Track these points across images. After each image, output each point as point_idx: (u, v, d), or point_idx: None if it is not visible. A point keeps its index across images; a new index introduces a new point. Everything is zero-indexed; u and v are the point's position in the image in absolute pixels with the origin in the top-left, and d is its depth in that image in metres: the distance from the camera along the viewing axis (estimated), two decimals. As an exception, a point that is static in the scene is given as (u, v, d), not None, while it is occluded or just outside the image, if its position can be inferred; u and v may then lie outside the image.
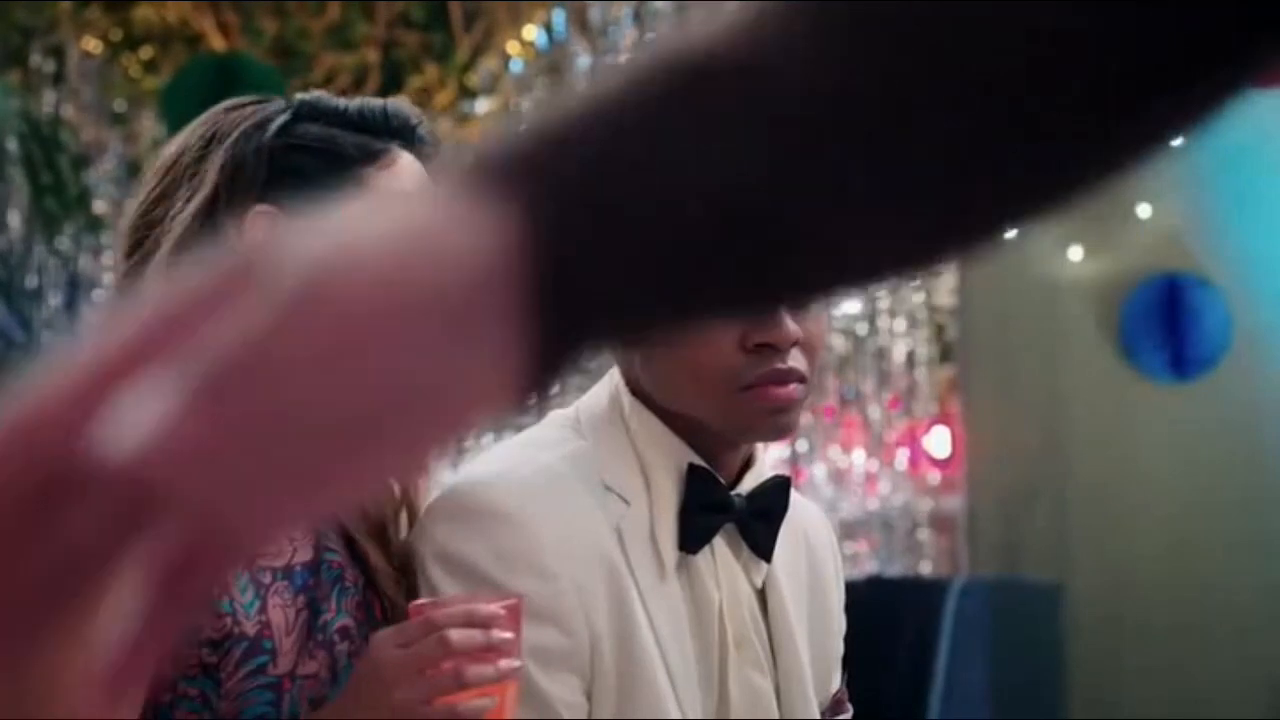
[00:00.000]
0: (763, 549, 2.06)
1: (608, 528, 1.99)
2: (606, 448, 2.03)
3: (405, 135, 1.95)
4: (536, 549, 1.93)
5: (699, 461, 2.02)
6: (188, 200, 1.88)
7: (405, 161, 1.94)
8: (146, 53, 7.54)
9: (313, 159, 1.89)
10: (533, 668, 1.90)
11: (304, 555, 1.89)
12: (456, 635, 1.73)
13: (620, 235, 0.70)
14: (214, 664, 1.78)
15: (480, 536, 1.94)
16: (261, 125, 1.91)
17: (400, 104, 1.99)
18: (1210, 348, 6.50)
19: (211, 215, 1.87)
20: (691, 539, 2.01)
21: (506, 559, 1.93)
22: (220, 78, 6.40)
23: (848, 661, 2.23)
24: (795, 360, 1.98)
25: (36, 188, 6.27)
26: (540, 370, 0.69)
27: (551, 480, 1.99)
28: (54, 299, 7.39)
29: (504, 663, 1.74)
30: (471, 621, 1.74)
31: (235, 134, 1.90)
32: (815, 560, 2.19)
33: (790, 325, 1.97)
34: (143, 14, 7.54)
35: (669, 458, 2.03)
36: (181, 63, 7.29)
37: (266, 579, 1.84)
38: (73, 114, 7.61)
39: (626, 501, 2.00)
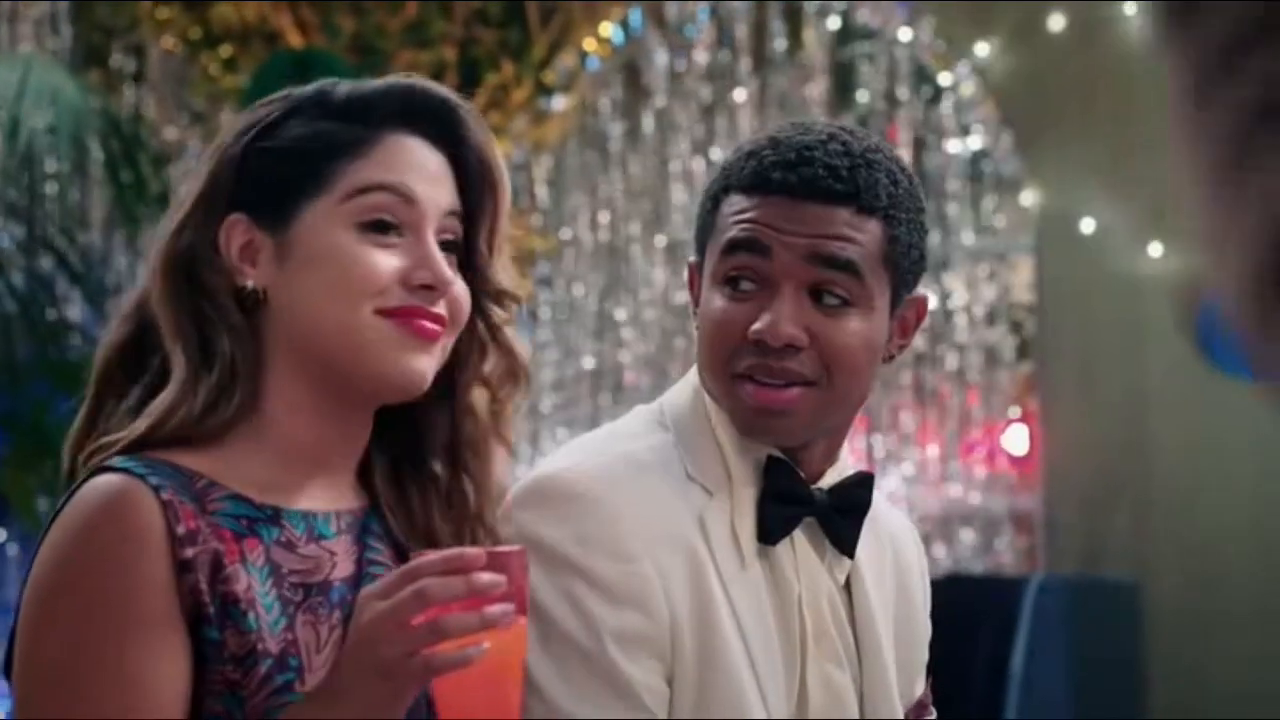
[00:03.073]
0: (845, 544, 2.06)
1: (690, 516, 1.99)
2: (690, 439, 2.04)
3: (403, 117, 1.89)
4: (618, 533, 1.94)
5: (779, 454, 2.02)
6: (176, 209, 1.90)
7: (390, 147, 1.88)
8: (225, 51, 7.58)
9: (278, 162, 1.86)
10: (615, 652, 1.91)
11: (344, 570, 1.87)
12: (434, 584, 1.66)
13: None
14: (238, 680, 1.75)
15: (562, 520, 1.95)
16: (246, 129, 1.89)
17: (405, 82, 1.93)
18: (1292, 344, 6.44)
19: (192, 224, 1.87)
20: (771, 530, 2.02)
21: (588, 542, 1.93)
22: (301, 75, 6.41)
23: (929, 656, 2.23)
24: (803, 365, 1.97)
25: (117, 186, 6.31)
26: None
27: (634, 468, 2.00)
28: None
29: (491, 609, 1.66)
30: (450, 568, 1.67)
31: (226, 139, 1.90)
32: (902, 566, 2.19)
33: (786, 327, 1.96)
34: (221, 12, 7.58)
35: (749, 449, 2.03)
36: (260, 61, 7.33)
37: (297, 596, 1.81)
38: (153, 112, 7.67)
39: (709, 492, 2.01)
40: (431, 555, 1.70)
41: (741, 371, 1.99)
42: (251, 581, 1.77)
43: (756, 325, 1.97)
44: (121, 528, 1.73)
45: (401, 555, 1.90)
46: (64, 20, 7.40)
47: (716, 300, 2.01)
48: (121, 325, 1.92)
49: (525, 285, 7.09)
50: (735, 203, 2.01)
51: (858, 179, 1.98)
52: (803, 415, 1.99)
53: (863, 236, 1.98)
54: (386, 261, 1.84)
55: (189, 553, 1.74)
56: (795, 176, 1.98)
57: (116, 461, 1.78)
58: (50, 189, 6.38)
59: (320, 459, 1.88)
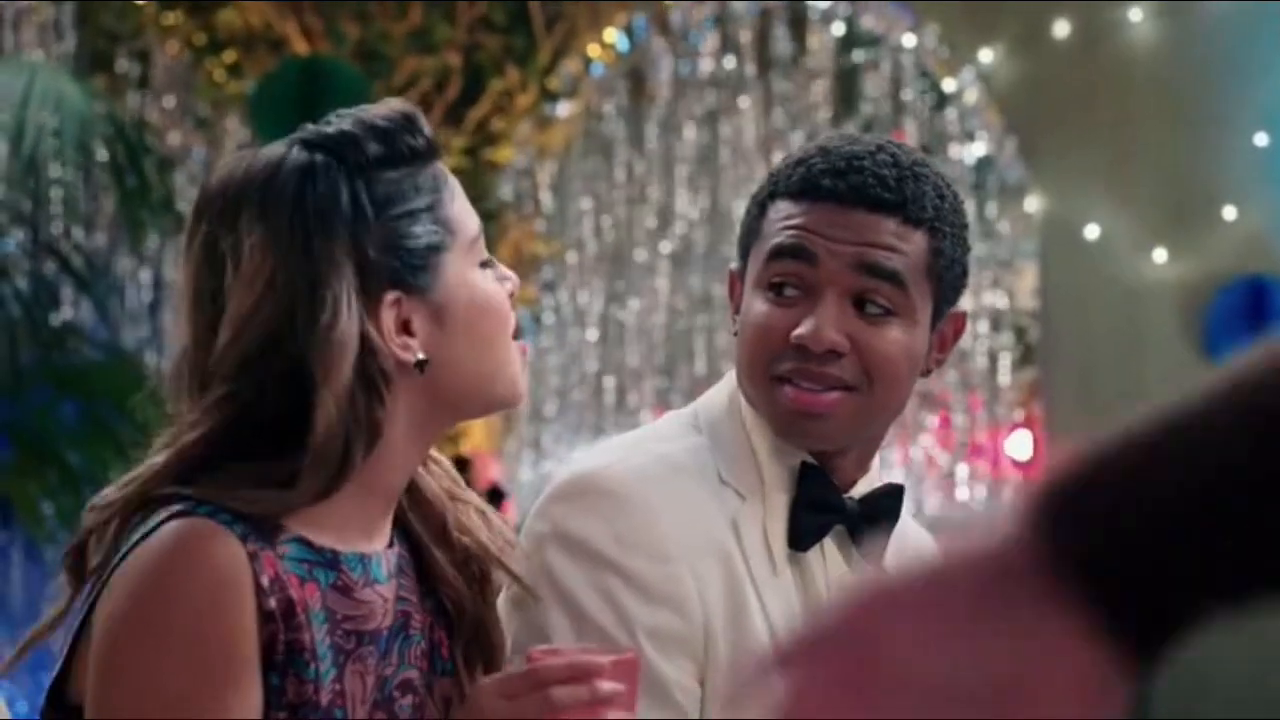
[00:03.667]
0: (871, 554, 2.07)
1: (724, 520, 2.00)
2: (724, 443, 2.05)
3: (430, 146, 1.90)
4: (655, 533, 1.95)
5: (812, 461, 2.04)
6: (319, 306, 1.84)
7: (446, 179, 1.90)
8: (230, 57, 7.59)
9: (413, 224, 1.85)
10: (649, 649, 1.91)
11: (392, 616, 1.86)
12: (560, 692, 1.72)
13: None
14: None
15: (600, 518, 1.95)
16: (350, 206, 1.85)
17: (408, 108, 1.90)
18: (1295, 351, 6.44)
19: (352, 315, 1.81)
20: (802, 537, 2.03)
21: (625, 541, 1.94)
22: (307, 81, 6.43)
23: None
24: (844, 370, 1.98)
25: (122, 191, 6.32)
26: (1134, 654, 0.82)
27: (670, 469, 2.01)
28: (139, 301, 7.45)
29: (609, 715, 1.73)
30: (576, 674, 1.72)
31: (334, 221, 1.85)
32: None
33: (828, 333, 1.97)
34: (226, 18, 7.59)
35: (783, 455, 2.04)
36: (265, 67, 7.34)
37: (351, 644, 1.80)
38: (158, 118, 7.68)
39: (742, 496, 2.02)
40: (555, 661, 1.74)
41: (782, 374, 2.00)
42: (313, 630, 1.76)
43: (799, 330, 1.97)
44: (213, 575, 1.71)
45: (420, 579, 1.90)
46: (69, 25, 7.41)
47: (759, 304, 2.02)
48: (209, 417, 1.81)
49: (529, 290, 7.04)
50: (782, 209, 2.02)
51: (905, 190, 1.99)
52: (841, 420, 2.00)
53: (908, 247, 2.00)
54: (505, 289, 1.91)
55: (271, 603, 1.73)
56: (844, 184, 1.99)
57: (193, 507, 1.75)
58: (55, 194, 6.38)
59: (387, 504, 1.88)
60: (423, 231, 1.83)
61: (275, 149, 1.85)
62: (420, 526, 1.92)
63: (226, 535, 1.72)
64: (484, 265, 1.88)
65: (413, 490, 1.92)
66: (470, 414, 1.96)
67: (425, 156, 1.87)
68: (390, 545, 1.89)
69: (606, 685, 1.73)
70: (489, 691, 1.77)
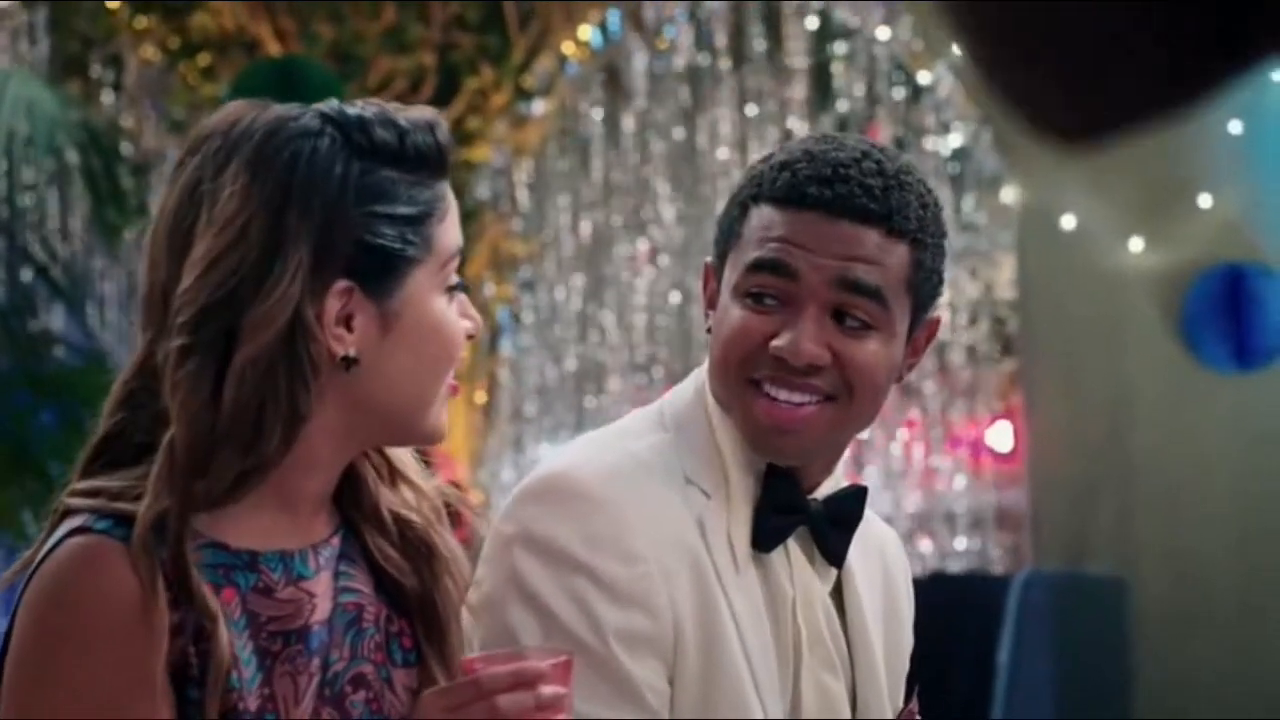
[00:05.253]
0: (833, 555, 2.07)
1: (690, 518, 2.00)
2: (689, 442, 2.04)
3: (440, 161, 1.89)
4: (625, 533, 1.95)
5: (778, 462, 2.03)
6: (266, 272, 1.83)
7: (448, 201, 1.89)
8: (204, 60, 7.57)
9: (391, 226, 1.84)
10: (619, 650, 1.91)
11: (323, 611, 1.84)
12: (505, 701, 1.73)
13: None
14: None
15: (569, 519, 1.95)
16: (337, 186, 1.84)
17: (430, 118, 1.89)
18: (1274, 337, 6.45)
19: (299, 293, 1.81)
20: (765, 538, 2.02)
21: (594, 542, 1.94)
22: (281, 82, 6.41)
23: (913, 657, 2.23)
24: (823, 380, 1.98)
25: (96, 196, 6.30)
26: None
27: (638, 467, 2.00)
28: (117, 306, 7.43)
29: (553, 718, 1.74)
30: (519, 682, 1.73)
31: (305, 193, 1.84)
32: (890, 576, 2.20)
33: (808, 346, 1.96)
34: (200, 22, 7.58)
35: (749, 457, 2.03)
36: (239, 69, 7.32)
37: (277, 646, 1.79)
38: (132, 122, 7.66)
39: (707, 495, 2.01)
40: (496, 670, 1.75)
41: (758, 378, 1.99)
42: (231, 637, 1.75)
43: (778, 342, 1.97)
44: (107, 600, 1.71)
45: (373, 569, 1.89)
46: (42, 30, 7.39)
47: (737, 310, 2.01)
48: (128, 384, 1.84)
49: (507, 289, 7.04)
50: (765, 215, 2.01)
51: (890, 200, 1.99)
52: (815, 432, 2.00)
53: (890, 260, 1.99)
54: (464, 326, 1.88)
55: (174, 617, 1.72)
56: (830, 192, 1.98)
57: (94, 522, 1.74)
58: (30, 200, 6.36)
59: (313, 504, 1.87)
60: (396, 237, 1.81)
61: (291, 109, 1.85)
62: (354, 512, 1.91)
63: (120, 553, 1.71)
64: (451, 290, 1.86)
65: (346, 479, 1.90)
66: (388, 436, 1.89)
67: (433, 168, 1.86)
68: (331, 539, 1.87)
69: (549, 690, 1.74)
70: (433, 703, 1.77)
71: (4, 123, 5.85)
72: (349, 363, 1.80)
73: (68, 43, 7.60)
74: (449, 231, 1.86)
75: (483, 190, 7.75)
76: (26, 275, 6.51)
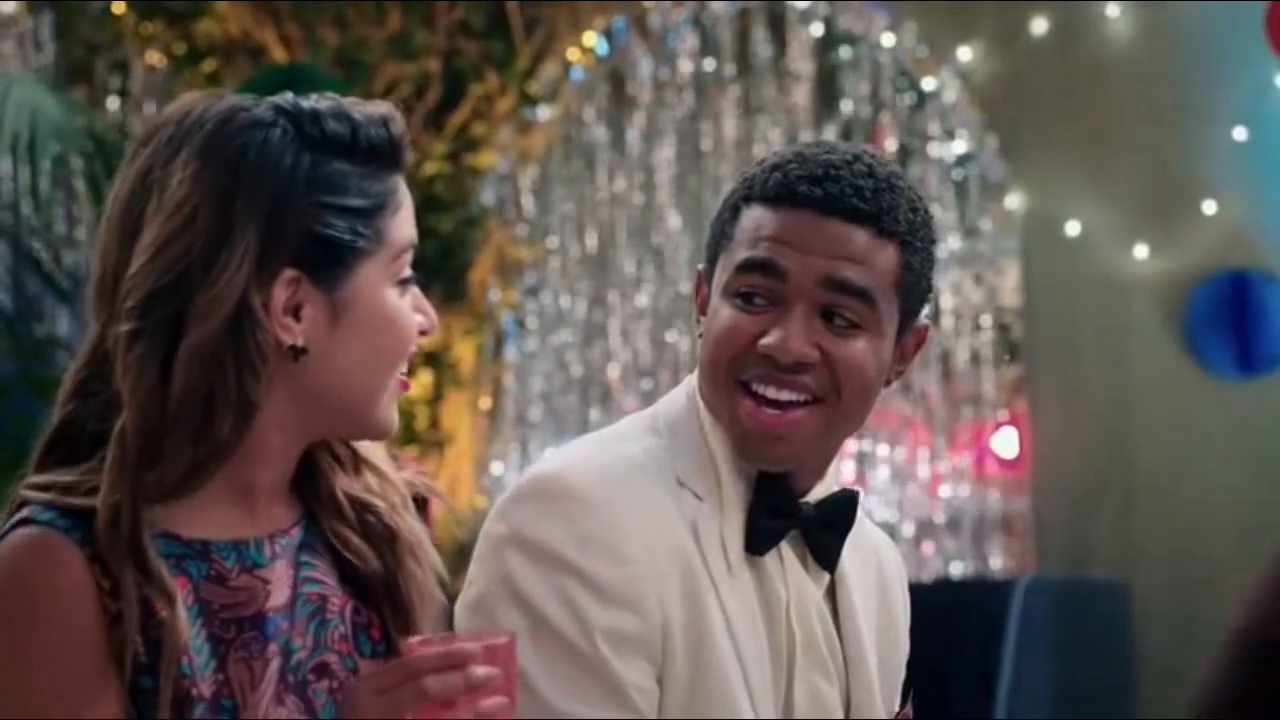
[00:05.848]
0: (826, 559, 2.08)
1: (683, 521, 2.01)
2: (681, 446, 2.05)
3: (394, 152, 1.90)
4: (616, 535, 1.95)
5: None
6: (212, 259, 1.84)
7: (401, 194, 1.89)
8: (210, 66, 7.57)
9: (341, 217, 1.85)
10: (607, 651, 1.92)
11: (280, 597, 1.84)
12: (433, 682, 1.71)
13: None
14: None
15: (560, 521, 1.96)
16: (286, 174, 1.85)
17: (386, 112, 1.91)
18: (1277, 344, 6.46)
19: (246, 279, 1.82)
20: (758, 541, 2.03)
21: (585, 543, 1.94)
22: (286, 88, 6.39)
23: (915, 661, 2.23)
24: (812, 379, 1.99)
25: (101, 202, 6.30)
26: None
27: (631, 470, 2.01)
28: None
29: (487, 702, 1.71)
30: (448, 663, 1.71)
31: (257, 184, 1.85)
32: (885, 581, 2.21)
33: (796, 344, 1.97)
34: (205, 28, 7.58)
35: (741, 460, 2.04)
36: (245, 75, 7.32)
37: (230, 633, 1.80)
38: (137, 128, 7.66)
39: (699, 498, 2.02)
40: (427, 651, 1.73)
41: (746, 379, 2.00)
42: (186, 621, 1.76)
43: (767, 340, 1.98)
44: (45, 587, 1.72)
45: (338, 561, 1.89)
46: (47, 36, 7.39)
47: (726, 310, 2.02)
48: (83, 369, 1.85)
49: (511, 295, 7.05)
50: (756, 215, 2.02)
51: (880, 201, 2.00)
52: (805, 435, 2.01)
53: (879, 260, 2.00)
54: (416, 321, 1.88)
55: (115, 607, 1.73)
56: (820, 191, 1.99)
57: (39, 513, 1.76)
58: (34, 206, 6.37)
59: (269, 494, 1.87)
60: (346, 229, 1.82)
61: (246, 99, 1.86)
62: (312, 500, 1.91)
63: (61, 544, 1.73)
64: (404, 283, 1.86)
65: (306, 468, 1.91)
66: (338, 428, 1.89)
67: (385, 161, 1.87)
68: (291, 529, 1.88)
69: (481, 671, 1.71)
70: (364, 686, 1.76)
71: (8, 128, 5.86)
72: (297, 352, 1.81)
73: (73, 48, 7.60)
74: (401, 225, 1.87)
75: (488, 196, 7.75)
76: (31, 281, 6.51)
